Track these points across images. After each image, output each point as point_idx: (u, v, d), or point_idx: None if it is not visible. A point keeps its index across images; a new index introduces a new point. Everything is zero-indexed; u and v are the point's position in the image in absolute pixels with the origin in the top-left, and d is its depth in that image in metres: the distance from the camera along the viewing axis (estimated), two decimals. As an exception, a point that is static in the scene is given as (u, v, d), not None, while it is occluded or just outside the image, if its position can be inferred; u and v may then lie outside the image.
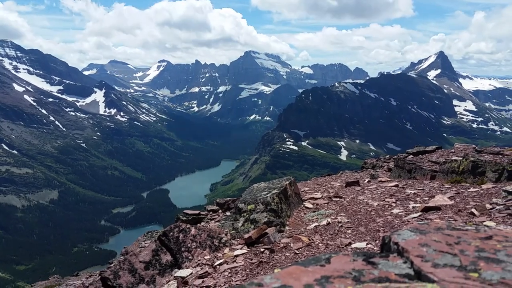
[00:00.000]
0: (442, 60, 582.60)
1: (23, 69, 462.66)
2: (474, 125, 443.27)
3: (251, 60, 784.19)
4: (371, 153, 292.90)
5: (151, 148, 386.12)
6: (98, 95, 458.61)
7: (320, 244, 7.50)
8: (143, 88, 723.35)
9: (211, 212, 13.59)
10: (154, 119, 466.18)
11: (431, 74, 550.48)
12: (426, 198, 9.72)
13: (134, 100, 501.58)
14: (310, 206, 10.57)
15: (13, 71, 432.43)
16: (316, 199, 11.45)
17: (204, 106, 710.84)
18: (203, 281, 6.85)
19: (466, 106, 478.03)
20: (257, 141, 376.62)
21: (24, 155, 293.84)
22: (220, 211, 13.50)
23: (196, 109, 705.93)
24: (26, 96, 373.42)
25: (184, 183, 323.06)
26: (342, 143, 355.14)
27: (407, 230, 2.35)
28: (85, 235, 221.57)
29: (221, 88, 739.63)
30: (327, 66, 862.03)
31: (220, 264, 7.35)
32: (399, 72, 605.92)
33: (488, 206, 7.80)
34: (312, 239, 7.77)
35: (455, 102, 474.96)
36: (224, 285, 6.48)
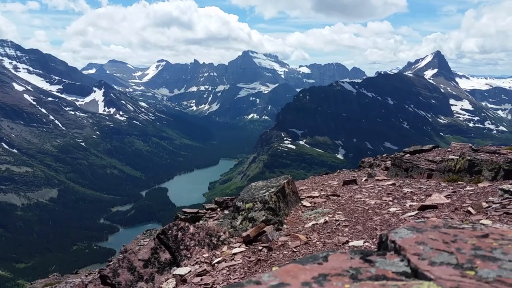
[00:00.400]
0: (439, 60, 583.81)
1: (23, 68, 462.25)
2: (471, 124, 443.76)
3: (249, 59, 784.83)
4: (368, 152, 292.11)
5: (150, 147, 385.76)
6: (98, 95, 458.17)
7: (317, 242, 7.54)
8: (142, 87, 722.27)
9: (209, 211, 13.62)
10: (153, 118, 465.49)
11: (428, 74, 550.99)
12: (423, 197, 9.76)
13: (133, 100, 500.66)
14: (308, 204, 10.61)
15: (13, 71, 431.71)
16: (313, 197, 11.49)
17: (203, 106, 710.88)
18: (201, 279, 6.88)
19: (462, 105, 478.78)
20: (255, 140, 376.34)
21: (24, 154, 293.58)
22: (218, 209, 13.52)
23: (194, 108, 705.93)
24: (26, 96, 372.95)
25: (182, 182, 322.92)
26: (339, 142, 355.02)
27: (404, 229, 2.36)
28: (84, 234, 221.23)
29: (220, 88, 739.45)
30: (324, 66, 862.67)
31: (218, 262, 7.40)
32: (396, 71, 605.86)
33: (484, 204, 7.86)
34: (310, 237, 7.81)
35: (451, 101, 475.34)
36: (223, 283, 6.53)
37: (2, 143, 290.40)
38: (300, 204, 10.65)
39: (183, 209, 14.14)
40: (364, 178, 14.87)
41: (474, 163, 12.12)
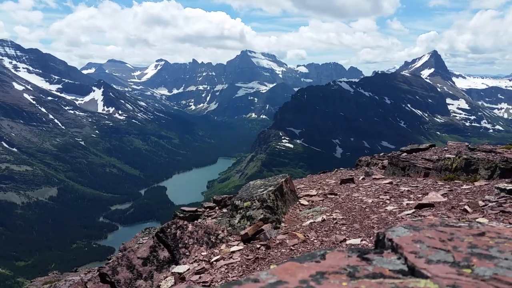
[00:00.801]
0: (436, 59, 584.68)
1: (23, 68, 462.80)
2: (467, 123, 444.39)
3: (247, 59, 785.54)
4: (365, 151, 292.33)
5: (149, 146, 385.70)
6: (97, 94, 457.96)
7: (315, 241, 7.58)
8: (141, 87, 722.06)
9: (208, 209, 13.66)
10: (151, 117, 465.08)
11: (425, 73, 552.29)
12: (420, 195, 9.81)
13: (132, 99, 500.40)
14: (306, 203, 10.64)
15: (12, 70, 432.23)
16: (311, 196, 11.53)
17: (201, 105, 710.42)
18: (200, 277, 6.92)
19: (459, 105, 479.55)
20: (253, 139, 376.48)
21: (23, 152, 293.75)
22: (216, 208, 13.57)
23: (193, 107, 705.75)
24: (25, 95, 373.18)
25: (181, 181, 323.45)
26: (337, 141, 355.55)
27: (401, 227, 2.36)
28: (84, 232, 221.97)
29: (218, 87, 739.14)
30: (322, 65, 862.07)
31: (217, 260, 7.43)
32: (393, 71, 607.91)
33: (481, 203, 7.90)
34: (308, 236, 7.84)
35: (448, 100, 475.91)
36: (221, 280, 6.56)
37: (2, 142, 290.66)
38: (298, 202, 10.68)
39: (182, 208, 14.19)
40: (361, 177, 14.92)
41: (471, 162, 12.17)
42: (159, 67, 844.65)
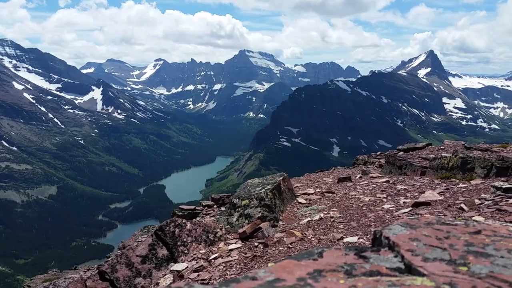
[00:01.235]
0: (432, 59, 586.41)
1: (23, 67, 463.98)
2: (463, 122, 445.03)
3: (245, 58, 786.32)
4: (362, 150, 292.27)
5: (148, 145, 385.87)
6: (96, 93, 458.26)
7: (313, 239, 7.60)
8: (140, 86, 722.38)
9: (206, 207, 13.72)
10: (150, 116, 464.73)
11: (421, 73, 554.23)
12: (417, 194, 9.84)
13: (131, 98, 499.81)
14: (303, 201, 10.67)
15: (12, 70, 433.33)
16: (309, 194, 11.56)
17: (200, 104, 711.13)
18: (198, 275, 6.96)
19: (455, 104, 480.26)
20: (251, 138, 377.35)
21: (23, 151, 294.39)
22: (215, 206, 13.61)
23: (191, 106, 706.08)
24: (25, 94, 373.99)
25: (180, 179, 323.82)
26: (334, 139, 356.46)
27: (398, 225, 2.37)
28: (83, 230, 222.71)
29: (216, 86, 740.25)
30: (319, 65, 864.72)
31: (215, 258, 7.47)
32: (390, 70, 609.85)
33: (477, 201, 7.94)
34: (305, 234, 7.86)
35: (444, 99, 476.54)
36: (219, 278, 6.59)
37: (2, 141, 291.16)
38: (295, 201, 10.70)
39: (180, 206, 14.25)
40: (358, 176, 14.93)
41: (467, 161, 12.22)
42: (158, 67, 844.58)
